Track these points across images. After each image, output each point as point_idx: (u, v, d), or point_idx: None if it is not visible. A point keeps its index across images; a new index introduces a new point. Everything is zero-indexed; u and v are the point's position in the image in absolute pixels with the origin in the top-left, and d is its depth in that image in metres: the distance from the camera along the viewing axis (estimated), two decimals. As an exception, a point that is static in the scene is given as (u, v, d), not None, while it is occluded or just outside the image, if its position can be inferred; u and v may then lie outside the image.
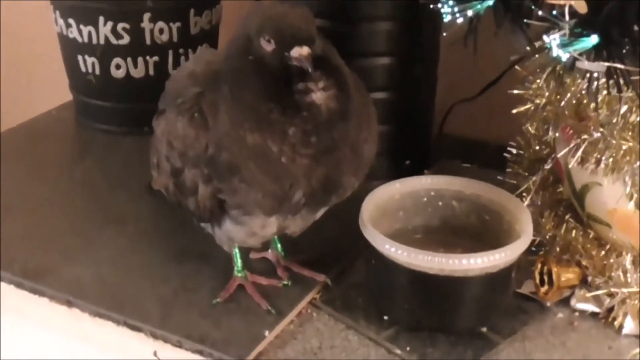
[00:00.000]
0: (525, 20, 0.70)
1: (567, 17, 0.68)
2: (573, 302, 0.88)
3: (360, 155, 0.81)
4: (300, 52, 0.73)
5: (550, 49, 0.67)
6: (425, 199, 0.90)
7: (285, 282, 0.89)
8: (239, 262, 0.89)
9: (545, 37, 0.67)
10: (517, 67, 0.91)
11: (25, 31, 1.59)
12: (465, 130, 1.23)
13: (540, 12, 0.68)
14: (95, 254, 0.96)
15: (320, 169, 0.77)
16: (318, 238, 0.93)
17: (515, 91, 0.93)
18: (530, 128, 0.98)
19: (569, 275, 0.87)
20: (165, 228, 1.00)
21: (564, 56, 0.66)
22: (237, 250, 0.89)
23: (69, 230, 1.01)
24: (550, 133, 0.90)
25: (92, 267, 0.93)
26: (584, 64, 0.67)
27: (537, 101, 0.91)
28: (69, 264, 0.94)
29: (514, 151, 1.01)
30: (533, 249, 0.89)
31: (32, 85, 1.63)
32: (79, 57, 1.18)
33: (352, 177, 0.81)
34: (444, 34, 0.73)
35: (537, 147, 1.00)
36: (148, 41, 1.15)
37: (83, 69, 1.19)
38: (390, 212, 0.88)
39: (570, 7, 0.67)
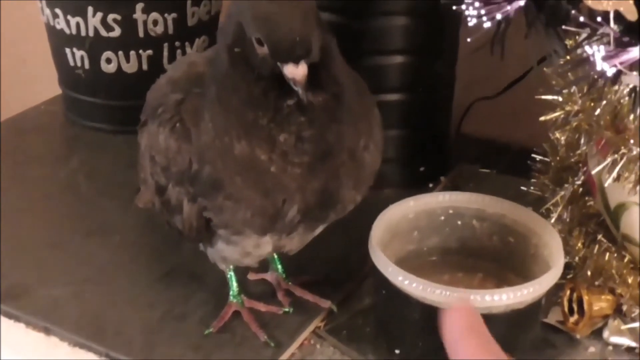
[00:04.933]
0: (562, 27, 0.60)
1: (612, 24, 0.58)
2: (606, 334, 0.78)
3: (361, 165, 0.71)
4: (294, 73, 0.62)
5: (591, 60, 0.57)
6: (442, 218, 0.81)
7: (287, 310, 0.81)
8: (234, 286, 0.80)
9: (587, 48, 0.57)
10: (545, 69, 0.82)
11: (14, 21, 1.50)
12: (485, 131, 1.14)
13: (581, 18, 0.58)
14: (75, 271, 0.87)
15: (315, 180, 0.68)
16: (322, 256, 0.85)
17: (543, 97, 0.84)
18: (558, 135, 0.89)
19: (601, 304, 0.78)
20: (154, 241, 0.91)
21: (609, 70, 0.56)
22: (232, 273, 0.80)
23: (48, 241, 0.92)
24: (583, 146, 0.81)
25: (72, 287, 0.85)
26: (632, 78, 0.58)
27: (568, 108, 0.82)
28: (47, 284, 0.85)
29: (539, 158, 0.92)
30: (560, 270, 0.81)
31: (23, 78, 1.54)
32: (67, 50, 1.09)
33: (353, 190, 0.71)
34: (468, 40, 0.64)
35: (565, 155, 0.91)
36: (141, 33, 1.06)
37: (72, 63, 1.10)
38: (403, 233, 0.80)
39: (616, 12, 0.58)
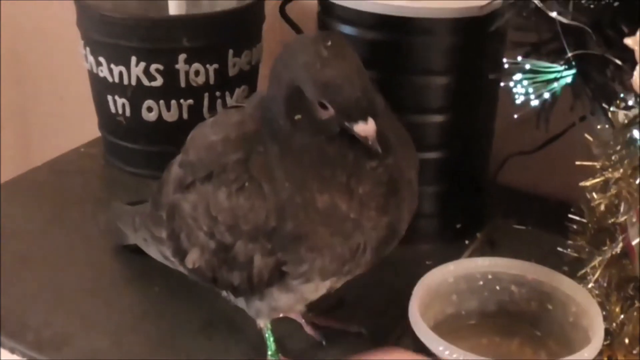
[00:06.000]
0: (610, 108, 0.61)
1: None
2: (644, 404, 0.79)
3: (415, 195, 0.75)
4: (366, 130, 0.67)
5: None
6: (481, 283, 0.82)
7: (323, 369, 0.81)
8: (272, 345, 0.81)
9: (635, 133, 0.57)
10: (586, 135, 0.83)
11: (57, 65, 1.52)
12: (521, 185, 1.14)
13: (630, 101, 0.58)
14: (115, 321, 0.88)
15: (386, 216, 0.72)
16: (359, 310, 0.88)
17: (584, 162, 0.84)
18: (597, 198, 0.89)
19: (639, 373, 0.79)
20: (194, 291, 0.90)
21: (658, 155, 0.57)
22: (269, 332, 0.81)
23: (88, 288, 0.93)
24: (621, 215, 0.81)
25: (112, 337, 0.86)
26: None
27: (608, 175, 0.82)
28: (88, 332, 0.86)
29: (576, 218, 0.92)
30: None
31: (62, 119, 1.56)
32: (109, 97, 1.11)
33: (406, 222, 0.75)
34: (515, 116, 0.64)
35: (603, 217, 0.91)
36: (182, 83, 1.08)
37: (113, 110, 1.12)
38: (442, 296, 0.80)
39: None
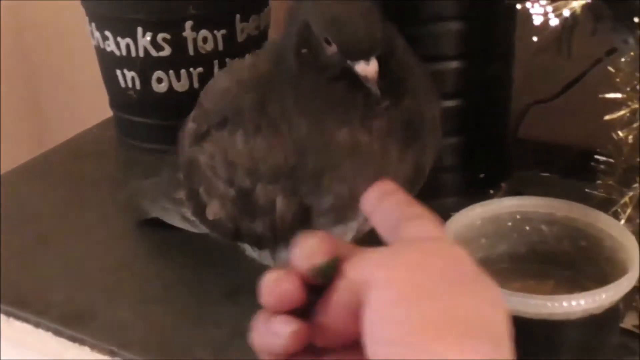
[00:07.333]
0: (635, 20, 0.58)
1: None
2: (686, 338, 0.76)
3: (438, 134, 0.75)
4: (366, 70, 0.65)
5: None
6: (510, 224, 0.79)
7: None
8: (300, 302, 0.79)
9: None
10: (609, 67, 0.80)
11: (64, 44, 1.50)
12: (543, 135, 1.12)
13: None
14: (140, 292, 0.87)
15: (410, 155, 0.71)
16: None
17: (607, 95, 0.81)
18: (622, 134, 0.87)
19: (679, 308, 0.76)
20: (217, 259, 0.90)
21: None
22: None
23: (111, 264, 0.92)
24: (650, 144, 0.79)
25: (138, 308, 0.84)
26: None
27: (634, 106, 0.80)
28: (113, 305, 0.85)
29: (603, 159, 0.89)
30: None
31: (73, 102, 1.54)
32: (118, 72, 1.09)
33: (429, 165, 0.75)
34: (535, 39, 0.62)
35: (631, 154, 0.88)
36: (191, 52, 1.06)
37: (123, 84, 1.10)
38: (471, 240, 0.78)
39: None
